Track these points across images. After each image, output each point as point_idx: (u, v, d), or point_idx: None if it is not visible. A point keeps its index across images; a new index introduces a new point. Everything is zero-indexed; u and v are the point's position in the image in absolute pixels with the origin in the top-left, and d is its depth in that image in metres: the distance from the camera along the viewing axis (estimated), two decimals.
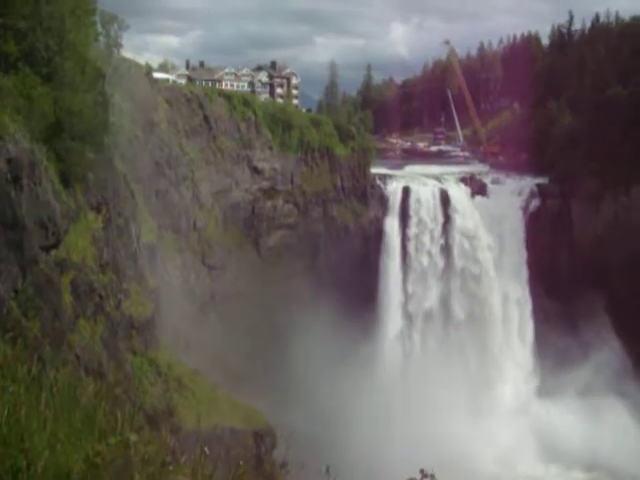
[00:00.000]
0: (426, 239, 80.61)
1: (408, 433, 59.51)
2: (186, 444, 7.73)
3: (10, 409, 6.84)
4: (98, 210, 37.75)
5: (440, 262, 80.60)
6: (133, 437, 6.76)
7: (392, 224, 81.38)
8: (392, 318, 79.92)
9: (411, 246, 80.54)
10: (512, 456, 66.95)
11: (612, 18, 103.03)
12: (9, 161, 23.00)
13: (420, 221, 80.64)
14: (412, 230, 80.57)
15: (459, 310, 79.64)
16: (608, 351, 70.14)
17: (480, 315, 79.59)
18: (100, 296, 35.15)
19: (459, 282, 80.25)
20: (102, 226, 37.82)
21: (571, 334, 70.80)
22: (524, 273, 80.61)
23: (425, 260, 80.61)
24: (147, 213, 56.44)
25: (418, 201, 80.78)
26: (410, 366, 70.65)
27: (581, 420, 68.53)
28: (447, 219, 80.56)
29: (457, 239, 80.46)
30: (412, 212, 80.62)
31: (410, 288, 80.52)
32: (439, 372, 65.89)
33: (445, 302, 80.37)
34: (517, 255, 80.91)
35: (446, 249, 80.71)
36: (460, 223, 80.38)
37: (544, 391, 75.79)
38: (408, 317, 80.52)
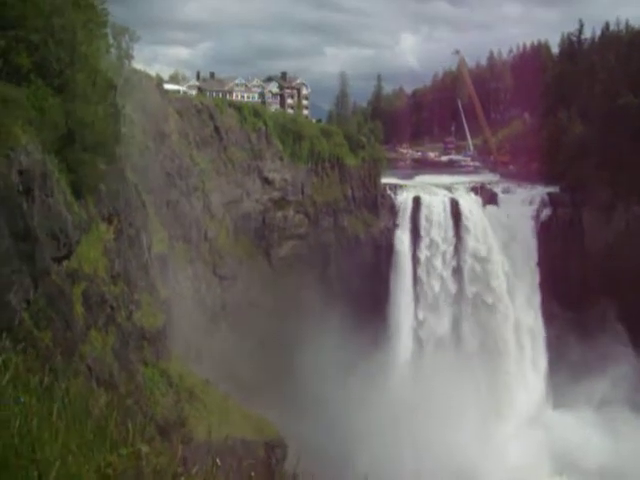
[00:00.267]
0: (438, 262, 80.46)
1: (417, 446, 59.27)
2: (197, 455, 7.73)
3: (22, 420, 6.85)
4: (110, 221, 37.85)
5: (452, 287, 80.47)
6: (144, 448, 6.76)
7: (402, 239, 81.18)
8: (403, 341, 79.85)
9: (422, 270, 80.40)
10: (525, 470, 66.33)
11: (622, 26, 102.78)
12: (21, 172, 23.11)
13: (431, 242, 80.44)
14: (423, 253, 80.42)
15: (471, 336, 79.47)
16: (622, 362, 69.64)
17: (492, 341, 79.33)
18: (111, 307, 35.20)
19: (471, 308, 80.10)
20: (113, 237, 37.90)
21: (584, 344, 70.36)
22: (537, 289, 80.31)
23: (437, 285, 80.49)
24: (158, 224, 56.55)
25: (429, 213, 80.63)
26: (420, 386, 69.96)
27: (596, 433, 67.94)
28: (458, 238, 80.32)
29: (469, 262, 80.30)
30: (423, 231, 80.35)
31: (421, 314, 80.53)
32: (449, 391, 65.24)
33: (456, 327, 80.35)
34: (528, 264, 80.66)
35: (458, 272, 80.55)
36: (473, 245, 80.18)
37: (558, 405, 75.30)
38: (419, 341, 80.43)
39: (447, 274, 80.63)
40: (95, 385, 27.28)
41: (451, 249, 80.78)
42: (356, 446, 58.74)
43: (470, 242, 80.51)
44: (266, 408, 55.69)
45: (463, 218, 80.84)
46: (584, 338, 71.09)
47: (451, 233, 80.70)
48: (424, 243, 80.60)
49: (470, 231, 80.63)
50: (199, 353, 57.80)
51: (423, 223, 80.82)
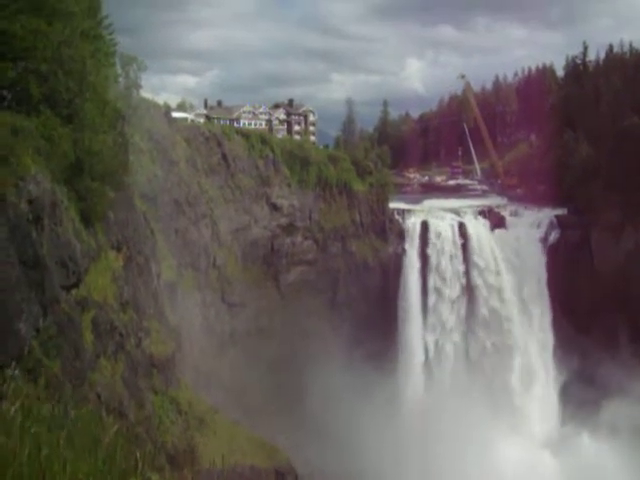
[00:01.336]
0: (446, 287, 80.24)
1: (427, 473, 58.73)
2: None
3: (31, 449, 6.83)
4: (118, 249, 37.95)
5: (462, 311, 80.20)
6: (154, 477, 6.74)
7: (411, 264, 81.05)
8: (412, 367, 79.50)
9: (431, 294, 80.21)
10: None
11: (626, 49, 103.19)
12: (30, 201, 23.25)
13: (440, 267, 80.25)
14: (432, 277, 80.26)
15: (481, 360, 79.09)
16: (635, 385, 68.96)
17: (503, 365, 78.89)
18: (121, 334, 35.17)
19: (481, 332, 79.75)
20: (122, 265, 37.98)
21: (596, 366, 69.91)
22: (547, 311, 79.96)
23: (446, 310, 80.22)
24: (167, 251, 56.67)
25: (437, 238, 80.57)
26: (430, 413, 69.22)
27: (608, 458, 67.13)
28: (467, 262, 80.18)
29: (478, 286, 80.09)
30: (432, 256, 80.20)
31: (431, 340, 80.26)
32: (460, 417, 64.62)
33: (466, 352, 79.98)
34: (538, 287, 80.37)
35: (467, 296, 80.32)
36: (481, 269, 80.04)
37: (571, 429, 74.54)
38: (428, 367, 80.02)
39: (456, 298, 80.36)
40: (104, 413, 27.14)
41: (460, 273, 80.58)
42: (366, 473, 58.23)
43: (479, 266, 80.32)
44: (276, 434, 55.46)
45: (471, 242, 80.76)
46: (596, 360, 70.64)
47: (460, 257, 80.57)
48: (433, 268, 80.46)
49: (478, 255, 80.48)
50: (208, 380, 57.61)
51: (431, 247, 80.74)
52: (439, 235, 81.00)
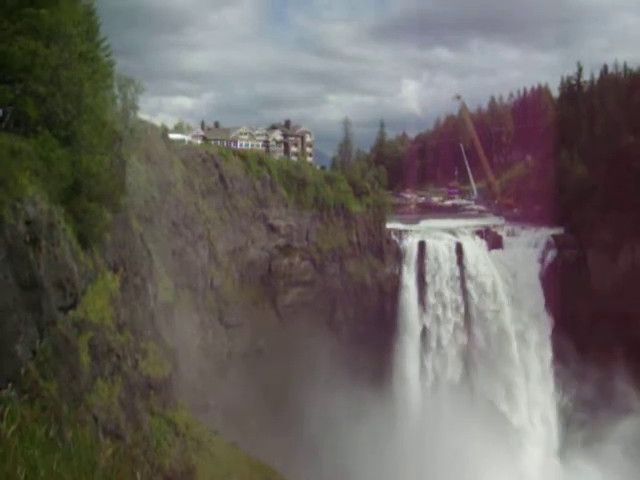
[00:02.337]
0: (444, 307, 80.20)
1: None
2: None
3: (28, 472, 6.78)
4: (115, 270, 37.90)
5: (460, 331, 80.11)
6: None
7: (408, 284, 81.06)
8: (410, 388, 79.27)
9: (428, 315, 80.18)
10: None
11: (620, 69, 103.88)
12: (28, 223, 23.23)
13: (437, 287, 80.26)
14: (429, 298, 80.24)
15: (480, 382, 78.86)
16: (633, 406, 68.79)
17: (502, 386, 78.65)
18: (118, 356, 35.02)
19: (479, 352, 79.58)
20: (119, 286, 37.91)
21: (594, 385, 69.82)
22: (545, 331, 79.84)
23: (444, 331, 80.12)
24: (164, 272, 56.60)
25: (434, 258, 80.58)
26: (428, 435, 68.84)
27: None
28: (464, 282, 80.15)
29: (476, 306, 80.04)
30: (429, 276, 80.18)
31: (429, 360, 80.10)
32: (457, 439, 64.23)
33: (465, 373, 79.81)
34: (536, 307, 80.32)
35: (465, 315, 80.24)
36: (479, 289, 80.00)
37: (569, 451, 74.23)
38: (426, 388, 79.77)
39: (454, 318, 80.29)
40: (101, 435, 27.01)
41: (457, 293, 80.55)
42: None
43: (476, 286, 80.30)
44: (273, 456, 55.04)
45: (469, 262, 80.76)
46: (592, 379, 70.59)
47: (457, 277, 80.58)
48: (430, 288, 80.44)
49: (476, 275, 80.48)
50: (206, 401, 57.34)
51: (429, 268, 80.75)
52: (436, 255, 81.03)
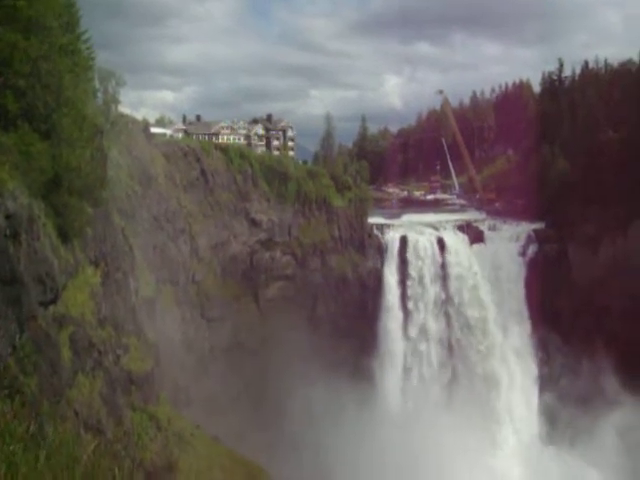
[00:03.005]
0: (425, 301, 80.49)
1: None
2: None
3: (8, 468, 6.73)
4: (96, 265, 37.69)
5: (441, 325, 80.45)
6: None
7: (390, 279, 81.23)
8: (392, 381, 79.58)
9: (410, 309, 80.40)
10: None
11: (601, 64, 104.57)
12: (8, 217, 23.05)
13: (419, 281, 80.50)
14: (411, 291, 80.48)
15: (460, 375, 79.30)
16: (610, 398, 69.42)
17: (483, 379, 79.09)
18: (99, 351, 34.86)
19: (460, 346, 79.95)
20: (100, 281, 37.70)
21: (575, 378, 70.43)
22: (526, 324, 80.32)
23: (425, 324, 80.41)
24: (145, 267, 56.36)
25: (416, 252, 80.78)
26: (410, 428, 68.93)
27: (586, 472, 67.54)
28: (446, 276, 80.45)
29: (457, 300, 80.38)
30: (411, 270, 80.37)
31: (410, 354, 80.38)
32: (439, 432, 64.42)
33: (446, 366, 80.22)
34: (517, 301, 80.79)
35: (446, 310, 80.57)
36: (460, 283, 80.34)
37: (550, 441, 74.87)
38: (408, 381, 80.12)
39: (435, 312, 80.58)
40: (83, 431, 26.90)
41: (439, 287, 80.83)
42: None
43: (457, 280, 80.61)
44: (255, 450, 55.03)
45: (450, 256, 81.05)
46: (574, 373, 71.17)
47: (438, 271, 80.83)
48: (412, 282, 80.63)
49: (457, 269, 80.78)
50: (187, 396, 57.21)
51: (410, 262, 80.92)
52: (418, 250, 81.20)
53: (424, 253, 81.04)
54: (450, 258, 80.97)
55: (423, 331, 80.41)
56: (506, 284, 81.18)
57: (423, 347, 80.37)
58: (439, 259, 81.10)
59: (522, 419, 78.94)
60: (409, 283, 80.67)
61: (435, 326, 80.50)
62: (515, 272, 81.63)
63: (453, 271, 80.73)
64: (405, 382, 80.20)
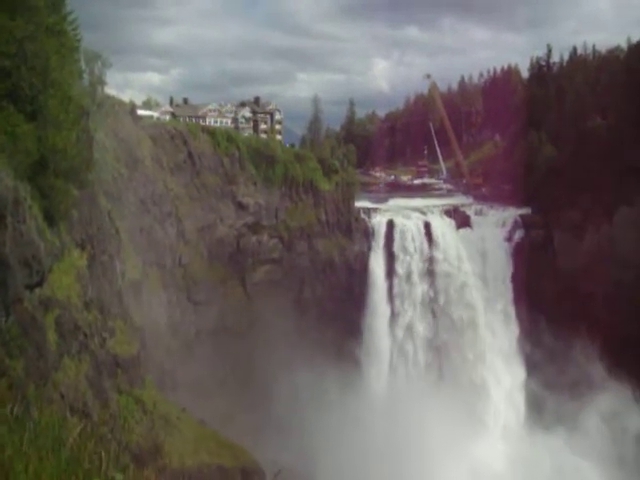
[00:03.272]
0: (412, 285, 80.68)
1: (393, 472, 59.06)
2: None
3: None
4: (82, 247, 37.57)
5: (427, 309, 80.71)
6: (119, 477, 6.69)
7: (377, 262, 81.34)
8: (379, 365, 79.93)
9: (397, 293, 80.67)
10: None
11: (589, 51, 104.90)
12: None
13: (406, 265, 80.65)
14: (398, 275, 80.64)
15: (446, 359, 79.74)
16: (595, 383, 70.05)
17: (468, 363, 79.60)
18: (85, 334, 34.83)
19: (446, 329, 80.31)
20: (86, 263, 37.60)
21: (559, 363, 70.95)
22: (511, 310, 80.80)
23: (411, 309, 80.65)
24: (132, 250, 56.20)
25: (403, 236, 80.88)
26: (395, 412, 69.05)
27: (571, 455, 68.20)
28: (433, 261, 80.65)
29: (443, 285, 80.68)
30: (397, 254, 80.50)
31: (397, 337, 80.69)
32: (425, 415, 64.71)
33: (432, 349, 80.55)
34: (503, 286, 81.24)
35: (433, 294, 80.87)
36: (446, 268, 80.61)
37: (535, 424, 75.48)
38: (395, 364, 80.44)
39: (422, 297, 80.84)
40: (69, 413, 26.89)
41: (425, 272, 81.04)
42: (333, 470, 58.32)
43: (444, 265, 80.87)
44: (242, 434, 55.24)
45: (437, 241, 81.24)
46: (559, 358, 71.69)
47: (425, 256, 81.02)
48: (398, 266, 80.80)
49: (444, 254, 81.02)
50: (174, 380, 57.30)
51: (397, 246, 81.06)
52: (405, 234, 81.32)
53: (411, 237, 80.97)
54: (437, 242, 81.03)
55: (408, 314, 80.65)
56: (492, 268, 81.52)
57: (409, 347, 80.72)
58: (426, 243, 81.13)
59: (508, 406, 79.55)
60: (396, 266, 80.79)
61: (420, 310, 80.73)
62: (501, 257, 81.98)
63: (439, 255, 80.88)
64: (391, 369, 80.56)
